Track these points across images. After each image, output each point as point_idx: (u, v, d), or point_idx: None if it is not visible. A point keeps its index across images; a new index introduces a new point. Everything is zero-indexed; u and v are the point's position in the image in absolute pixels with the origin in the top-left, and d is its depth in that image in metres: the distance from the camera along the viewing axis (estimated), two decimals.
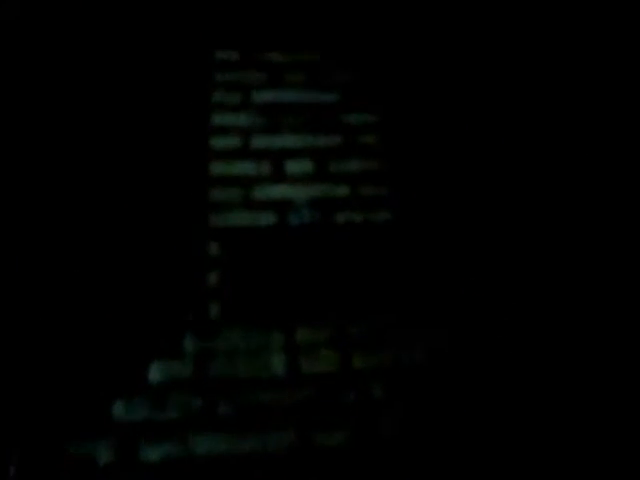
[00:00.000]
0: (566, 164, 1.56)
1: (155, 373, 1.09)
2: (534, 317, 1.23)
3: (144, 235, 1.36)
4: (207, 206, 1.45)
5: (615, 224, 1.31)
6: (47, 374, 1.07)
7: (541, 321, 1.22)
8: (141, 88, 1.73)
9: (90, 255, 1.30)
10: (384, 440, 0.98)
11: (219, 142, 1.61)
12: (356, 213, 1.45)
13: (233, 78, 1.79)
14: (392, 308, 1.24)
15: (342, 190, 1.50)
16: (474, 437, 1.01)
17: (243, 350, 1.15)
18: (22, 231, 1.34)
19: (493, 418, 1.04)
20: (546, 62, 1.68)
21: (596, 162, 1.49)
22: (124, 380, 1.07)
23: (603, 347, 1.17)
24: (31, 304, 1.19)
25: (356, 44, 1.92)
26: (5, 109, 1.26)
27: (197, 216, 1.43)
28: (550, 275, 1.32)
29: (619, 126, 1.50)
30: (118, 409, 1.02)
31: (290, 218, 1.43)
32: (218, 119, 1.68)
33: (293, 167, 1.55)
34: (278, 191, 1.49)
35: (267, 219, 1.43)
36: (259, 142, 1.62)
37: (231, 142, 1.62)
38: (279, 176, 1.53)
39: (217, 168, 1.55)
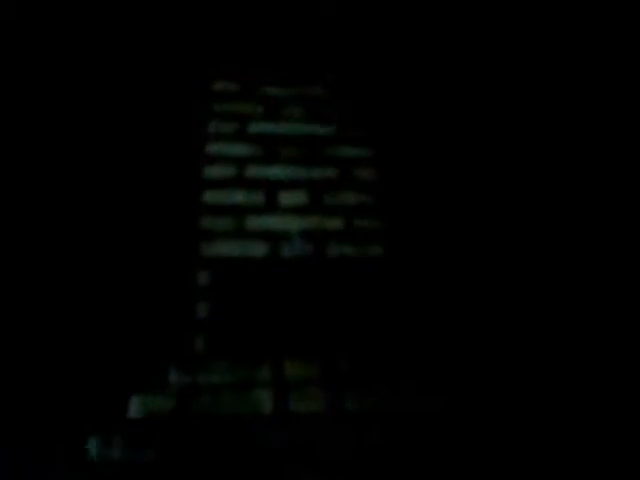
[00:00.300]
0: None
1: (135, 408, 1.05)
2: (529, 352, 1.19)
3: (132, 262, 1.33)
4: (198, 235, 1.43)
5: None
6: (21, 405, 1.02)
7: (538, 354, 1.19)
8: (137, 112, 1.72)
9: (77, 280, 1.27)
10: None
11: (213, 171, 1.60)
12: (349, 246, 1.43)
13: (230, 109, 1.79)
14: (383, 342, 1.20)
15: (336, 223, 1.48)
16: None
17: (229, 386, 1.11)
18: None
19: (494, 462, 0.99)
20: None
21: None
22: (101, 415, 1.02)
23: (606, 373, 1.14)
24: (9, 335, 1.15)
25: (354, 79, 1.93)
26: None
27: (187, 245, 1.40)
28: (550, 314, 1.29)
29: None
30: (93, 447, 0.97)
31: (282, 249, 1.41)
32: (213, 148, 1.67)
33: (287, 198, 1.54)
34: (271, 222, 1.47)
35: (259, 250, 1.40)
36: (253, 172, 1.60)
37: (225, 171, 1.60)
38: (272, 207, 1.51)
39: (210, 197, 1.53)
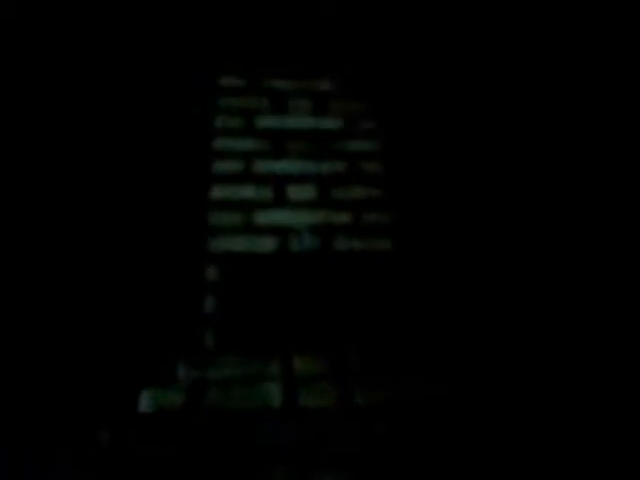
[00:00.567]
0: (572, 173, 1.54)
1: (145, 402, 1.05)
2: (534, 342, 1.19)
3: (141, 257, 1.33)
4: (206, 230, 1.42)
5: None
6: (31, 397, 1.02)
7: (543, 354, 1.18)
8: (144, 108, 1.72)
9: (84, 276, 1.27)
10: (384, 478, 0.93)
11: (221, 166, 1.60)
12: (357, 241, 1.42)
13: (237, 103, 1.79)
14: (390, 335, 1.20)
15: (344, 217, 1.48)
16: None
17: (238, 381, 1.11)
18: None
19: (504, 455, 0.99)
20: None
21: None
22: (111, 409, 1.03)
23: (608, 376, 1.13)
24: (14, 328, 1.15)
25: (362, 72, 1.92)
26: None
27: (196, 240, 1.40)
28: (556, 307, 1.28)
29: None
30: (104, 439, 0.97)
31: (291, 244, 1.40)
32: (220, 143, 1.67)
33: (295, 193, 1.53)
34: (279, 217, 1.47)
35: (267, 245, 1.40)
36: (261, 167, 1.60)
37: (233, 166, 1.60)
38: (281, 201, 1.51)
39: (218, 192, 1.52)
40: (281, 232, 1.43)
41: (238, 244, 1.40)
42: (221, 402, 1.06)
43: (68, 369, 1.09)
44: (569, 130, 1.67)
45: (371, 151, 1.66)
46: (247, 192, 1.53)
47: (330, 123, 1.74)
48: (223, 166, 1.60)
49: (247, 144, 1.67)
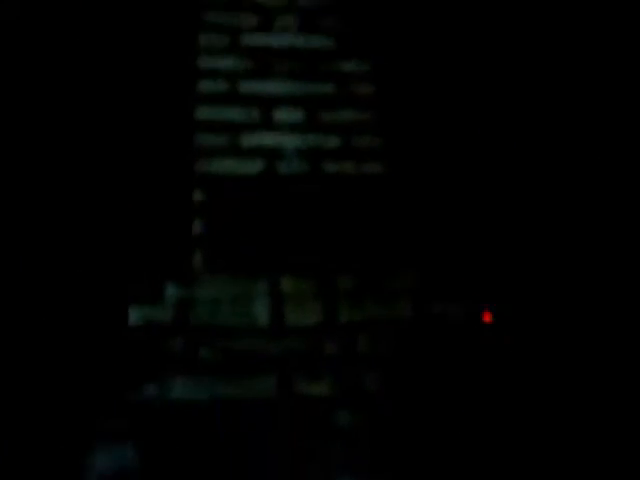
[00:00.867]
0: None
1: (134, 317, 1.06)
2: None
3: (129, 178, 1.31)
4: (193, 152, 1.39)
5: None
6: (23, 316, 1.03)
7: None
8: (126, 25, 1.64)
9: (74, 194, 1.25)
10: (368, 394, 0.96)
11: (206, 86, 1.54)
12: (347, 164, 1.41)
13: (222, 20, 1.71)
14: (380, 262, 1.21)
15: (333, 140, 1.45)
16: (459, 397, 1.00)
17: (226, 299, 1.12)
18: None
19: (478, 379, 1.03)
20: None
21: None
22: (100, 323, 1.04)
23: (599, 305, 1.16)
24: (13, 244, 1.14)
25: None
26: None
27: (182, 162, 1.37)
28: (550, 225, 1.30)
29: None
30: (95, 351, 0.99)
31: (278, 166, 1.38)
32: (205, 62, 1.60)
33: (283, 115, 1.49)
34: (267, 139, 1.44)
35: (254, 167, 1.38)
36: (248, 87, 1.55)
37: (219, 86, 1.55)
38: (268, 124, 1.47)
39: (204, 113, 1.48)
40: (268, 154, 1.41)
41: (225, 166, 1.38)
42: (208, 319, 1.08)
43: (64, 285, 1.09)
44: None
45: (362, 72, 1.61)
46: (233, 113, 1.49)
47: (319, 42, 1.68)
48: (208, 86, 1.55)
49: (232, 63, 1.61)
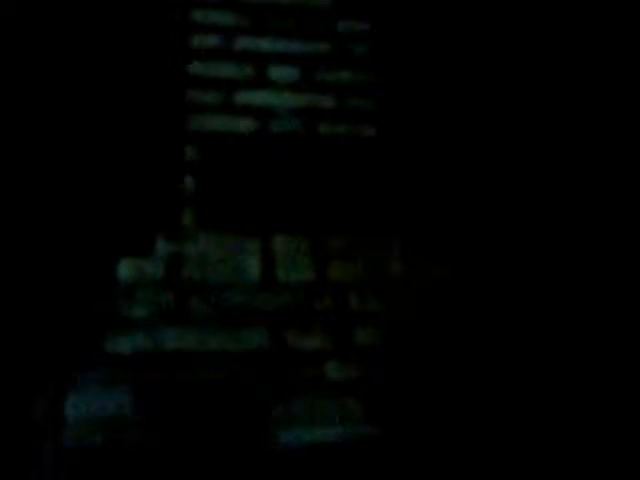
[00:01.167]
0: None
1: (124, 271, 1.05)
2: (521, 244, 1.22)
3: (119, 134, 1.28)
4: (184, 108, 1.37)
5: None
6: (16, 272, 1.01)
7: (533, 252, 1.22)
8: None
9: (66, 149, 1.22)
10: (359, 348, 0.97)
11: (199, 40, 1.51)
12: (341, 125, 1.39)
13: None
14: (372, 222, 1.21)
15: (328, 101, 1.43)
16: (446, 351, 1.01)
17: (217, 255, 1.11)
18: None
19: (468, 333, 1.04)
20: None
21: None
22: (90, 276, 1.03)
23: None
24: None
25: None
26: None
27: (174, 118, 1.34)
28: (548, 196, 1.30)
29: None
30: (84, 303, 0.98)
31: (272, 126, 1.36)
32: (199, 16, 1.56)
33: (278, 73, 1.47)
34: (260, 97, 1.41)
35: (247, 125, 1.36)
36: (242, 44, 1.51)
37: (212, 41, 1.51)
38: (262, 81, 1.44)
39: (196, 68, 1.45)
40: (262, 113, 1.39)
41: (217, 123, 1.35)
42: (199, 275, 1.07)
43: (56, 238, 1.07)
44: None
45: (359, 32, 1.58)
46: (227, 70, 1.46)
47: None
48: (201, 40, 1.51)
49: (227, 18, 1.57)
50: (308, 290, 1.06)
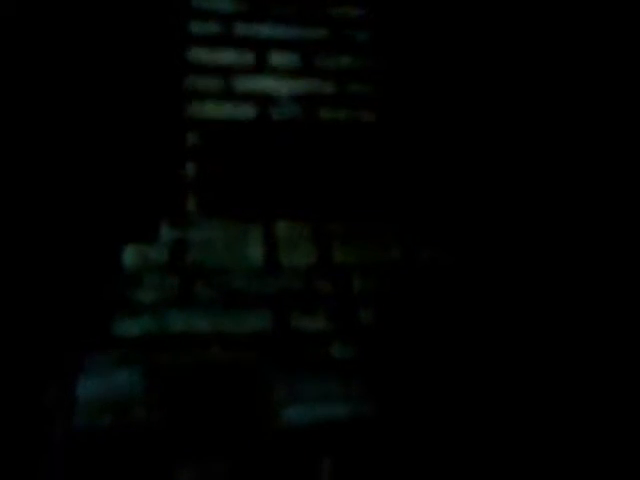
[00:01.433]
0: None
1: (130, 257, 1.06)
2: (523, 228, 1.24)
3: (122, 122, 1.29)
4: (186, 95, 1.37)
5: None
6: (23, 255, 1.03)
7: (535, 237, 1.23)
8: None
9: (72, 138, 1.23)
10: (361, 329, 0.99)
11: (199, 27, 1.51)
12: (341, 111, 1.40)
13: None
14: (373, 208, 1.22)
15: (328, 87, 1.44)
16: (446, 332, 1.03)
17: (220, 241, 1.13)
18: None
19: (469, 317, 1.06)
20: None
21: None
22: (96, 262, 1.04)
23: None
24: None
25: None
26: None
27: (175, 105, 1.35)
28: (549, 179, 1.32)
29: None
30: (91, 289, 1.00)
31: (272, 112, 1.37)
32: (199, 2, 1.56)
33: (278, 59, 1.47)
34: (261, 83, 1.42)
35: (248, 112, 1.37)
36: (242, 30, 1.52)
37: (212, 28, 1.51)
38: (262, 68, 1.45)
39: (196, 55, 1.45)
40: (262, 99, 1.39)
41: (218, 110, 1.36)
42: (203, 260, 1.09)
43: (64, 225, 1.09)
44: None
45: (359, 18, 1.58)
46: (227, 56, 1.46)
47: None
48: (201, 27, 1.51)
49: (226, 4, 1.57)
50: (311, 273, 1.08)
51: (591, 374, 1.00)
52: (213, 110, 1.36)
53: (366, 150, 1.33)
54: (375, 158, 1.32)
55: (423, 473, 0.84)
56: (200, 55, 1.46)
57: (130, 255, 1.07)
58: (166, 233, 1.12)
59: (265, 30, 1.53)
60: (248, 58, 1.47)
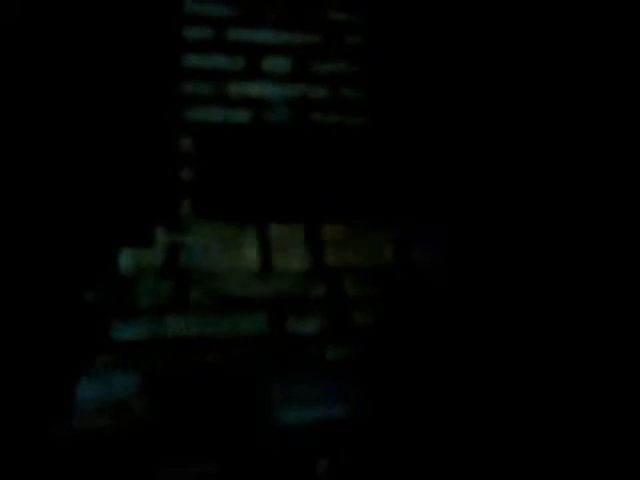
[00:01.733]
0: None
1: (125, 260, 1.07)
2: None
3: (117, 127, 1.30)
4: (180, 100, 1.38)
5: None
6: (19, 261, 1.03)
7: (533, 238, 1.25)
8: None
9: (68, 144, 1.24)
10: (356, 330, 1.01)
11: (192, 32, 1.52)
12: (333, 115, 1.42)
13: None
14: (366, 211, 1.24)
15: (320, 91, 1.46)
16: (436, 334, 1.05)
17: (215, 245, 1.14)
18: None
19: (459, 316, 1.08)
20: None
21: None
22: (92, 267, 1.05)
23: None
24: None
25: None
26: None
27: (170, 110, 1.36)
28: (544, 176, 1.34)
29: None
30: (88, 293, 1.01)
31: (266, 116, 1.39)
32: (191, 7, 1.57)
33: (270, 64, 1.49)
34: (253, 88, 1.43)
35: (242, 116, 1.38)
36: (235, 35, 1.53)
37: (205, 33, 1.53)
38: (255, 73, 1.46)
39: (190, 60, 1.46)
40: (255, 103, 1.41)
41: (212, 114, 1.37)
42: (198, 264, 1.10)
43: (60, 226, 1.09)
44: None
45: (351, 23, 1.60)
46: (219, 61, 1.48)
47: None
48: (194, 32, 1.53)
49: (219, 9, 1.58)
50: (305, 276, 1.10)
51: (590, 377, 1.02)
52: (207, 114, 1.37)
53: (358, 153, 1.35)
54: (367, 161, 1.34)
55: (418, 473, 0.85)
56: (193, 60, 1.47)
57: (125, 259, 1.08)
58: (162, 237, 1.13)
59: (258, 35, 1.54)
60: (241, 63, 1.48)
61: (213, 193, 1.23)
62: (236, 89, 1.43)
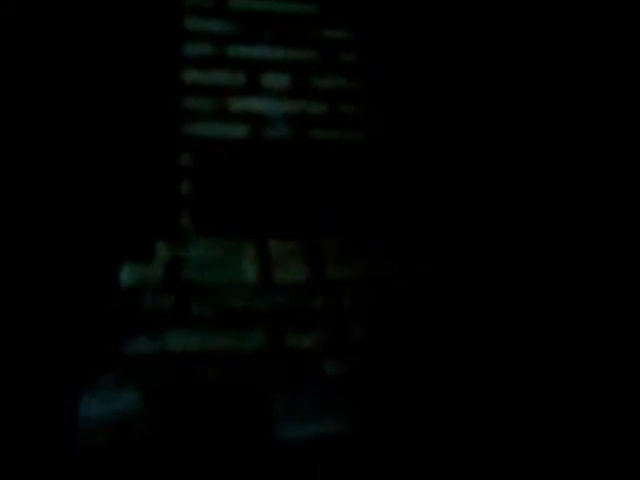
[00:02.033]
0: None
1: (126, 275, 1.09)
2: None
3: (118, 142, 1.31)
4: (180, 115, 1.40)
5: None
6: (20, 274, 1.04)
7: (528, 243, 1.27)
8: None
9: (67, 156, 1.25)
10: (354, 344, 1.02)
11: (193, 49, 1.54)
12: (332, 131, 1.44)
13: None
14: (365, 225, 1.26)
15: (319, 107, 1.48)
16: (436, 345, 1.06)
17: (214, 259, 1.15)
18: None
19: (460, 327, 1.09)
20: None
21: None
22: (93, 282, 1.06)
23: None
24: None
25: None
26: None
27: (170, 124, 1.38)
28: (538, 200, 1.36)
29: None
30: (90, 307, 1.02)
31: (265, 132, 1.41)
32: (192, 24, 1.60)
33: (269, 80, 1.51)
34: (253, 104, 1.45)
35: (241, 131, 1.40)
36: (235, 51, 1.56)
37: (205, 50, 1.55)
38: (255, 88, 1.49)
39: (190, 76, 1.49)
40: (255, 119, 1.43)
41: (212, 130, 1.39)
42: (198, 278, 1.11)
43: (51, 241, 1.10)
44: None
45: (349, 40, 1.63)
46: (220, 77, 1.50)
47: (307, 8, 1.69)
48: (195, 49, 1.55)
49: (219, 26, 1.61)
50: (304, 291, 1.11)
51: (589, 381, 1.03)
52: (207, 130, 1.39)
53: (357, 168, 1.37)
54: (366, 176, 1.36)
55: None
56: (194, 76, 1.49)
57: (127, 274, 1.09)
58: (162, 251, 1.15)
59: (257, 51, 1.57)
60: (241, 79, 1.50)
61: (213, 207, 1.25)
62: (236, 104, 1.45)
